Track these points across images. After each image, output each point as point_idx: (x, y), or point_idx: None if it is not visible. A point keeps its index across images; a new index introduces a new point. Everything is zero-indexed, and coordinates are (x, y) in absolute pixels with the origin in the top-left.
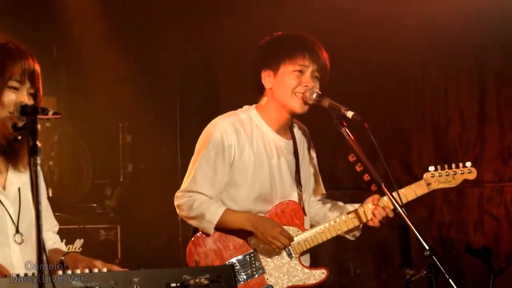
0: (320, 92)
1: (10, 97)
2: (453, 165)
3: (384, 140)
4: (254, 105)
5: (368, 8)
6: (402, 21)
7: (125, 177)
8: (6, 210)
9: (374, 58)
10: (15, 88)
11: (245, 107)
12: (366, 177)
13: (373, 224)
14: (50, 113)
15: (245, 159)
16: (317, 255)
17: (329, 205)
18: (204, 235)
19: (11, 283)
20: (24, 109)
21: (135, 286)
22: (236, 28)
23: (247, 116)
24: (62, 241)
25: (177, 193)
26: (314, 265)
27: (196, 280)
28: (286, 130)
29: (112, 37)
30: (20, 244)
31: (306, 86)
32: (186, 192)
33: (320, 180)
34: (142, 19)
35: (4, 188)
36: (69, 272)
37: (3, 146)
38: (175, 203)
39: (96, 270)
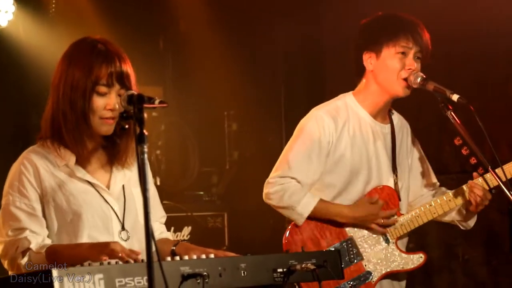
0: (424, 76)
1: (98, 102)
2: None
3: (490, 123)
4: (350, 92)
5: None
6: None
7: (231, 164)
8: (112, 207)
9: (480, 38)
10: (104, 93)
11: (341, 95)
12: (473, 161)
13: (472, 209)
14: (157, 102)
15: (342, 145)
16: (424, 240)
17: (437, 193)
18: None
19: (121, 267)
20: (130, 98)
21: (242, 271)
22: (341, 14)
23: (343, 102)
24: (170, 229)
25: (270, 180)
26: (421, 249)
27: (303, 265)
28: (384, 115)
29: (217, 28)
30: (126, 240)
31: (410, 69)
32: (279, 178)
33: (430, 173)
34: (247, 9)
35: (108, 187)
36: (177, 258)
37: (106, 147)
38: (265, 190)
39: (204, 256)
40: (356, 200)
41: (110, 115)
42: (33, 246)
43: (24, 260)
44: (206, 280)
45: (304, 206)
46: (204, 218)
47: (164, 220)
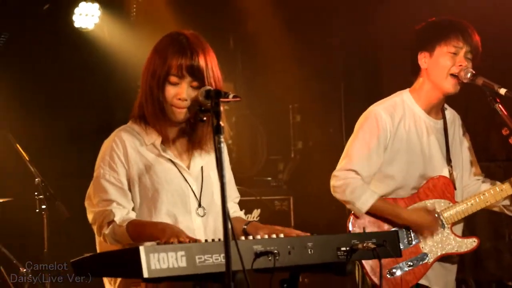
0: (474, 72)
1: (169, 91)
2: None
3: None
4: (407, 89)
5: None
6: None
7: (296, 153)
8: (190, 186)
9: None
10: (175, 83)
11: (398, 92)
12: None
13: None
14: (231, 96)
15: (398, 139)
16: (473, 221)
17: (484, 182)
18: None
19: (201, 246)
20: (208, 93)
21: (309, 250)
22: (397, 16)
23: (400, 99)
24: (241, 211)
25: (335, 173)
26: (470, 230)
27: (364, 244)
28: (437, 111)
29: (282, 29)
30: (202, 216)
31: (460, 65)
32: (342, 171)
33: (476, 163)
34: (309, 11)
35: (188, 167)
36: (251, 237)
37: (187, 132)
38: (331, 183)
39: (274, 236)
40: (413, 190)
41: (179, 104)
42: (117, 219)
43: (108, 230)
44: (277, 258)
45: (363, 203)
46: (271, 202)
47: (237, 200)
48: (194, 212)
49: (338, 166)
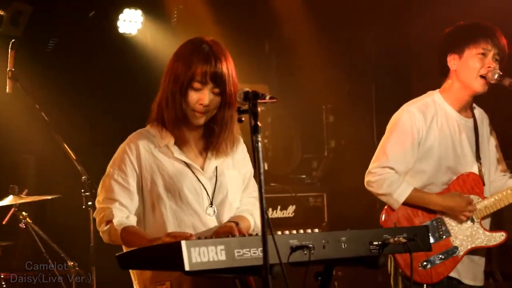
0: (501, 73)
1: (192, 97)
2: None
3: None
4: (437, 90)
5: None
6: None
7: (329, 151)
8: (203, 186)
9: None
10: (198, 89)
11: (429, 92)
12: None
13: None
14: (267, 97)
15: (431, 137)
16: (500, 217)
17: (511, 178)
18: None
19: (240, 240)
20: (246, 95)
21: (342, 244)
22: (429, 15)
23: (431, 99)
24: (277, 207)
25: (371, 170)
26: (497, 226)
27: (395, 239)
28: (467, 109)
29: (315, 33)
30: (213, 215)
31: (488, 67)
32: (378, 168)
33: (503, 160)
34: (341, 16)
35: (202, 168)
36: (287, 232)
37: (204, 134)
38: (366, 179)
39: (309, 231)
40: (444, 185)
41: (201, 109)
42: (115, 221)
43: (104, 228)
44: (312, 251)
45: (400, 194)
46: (306, 198)
47: (255, 193)
48: (206, 212)
49: (374, 164)
